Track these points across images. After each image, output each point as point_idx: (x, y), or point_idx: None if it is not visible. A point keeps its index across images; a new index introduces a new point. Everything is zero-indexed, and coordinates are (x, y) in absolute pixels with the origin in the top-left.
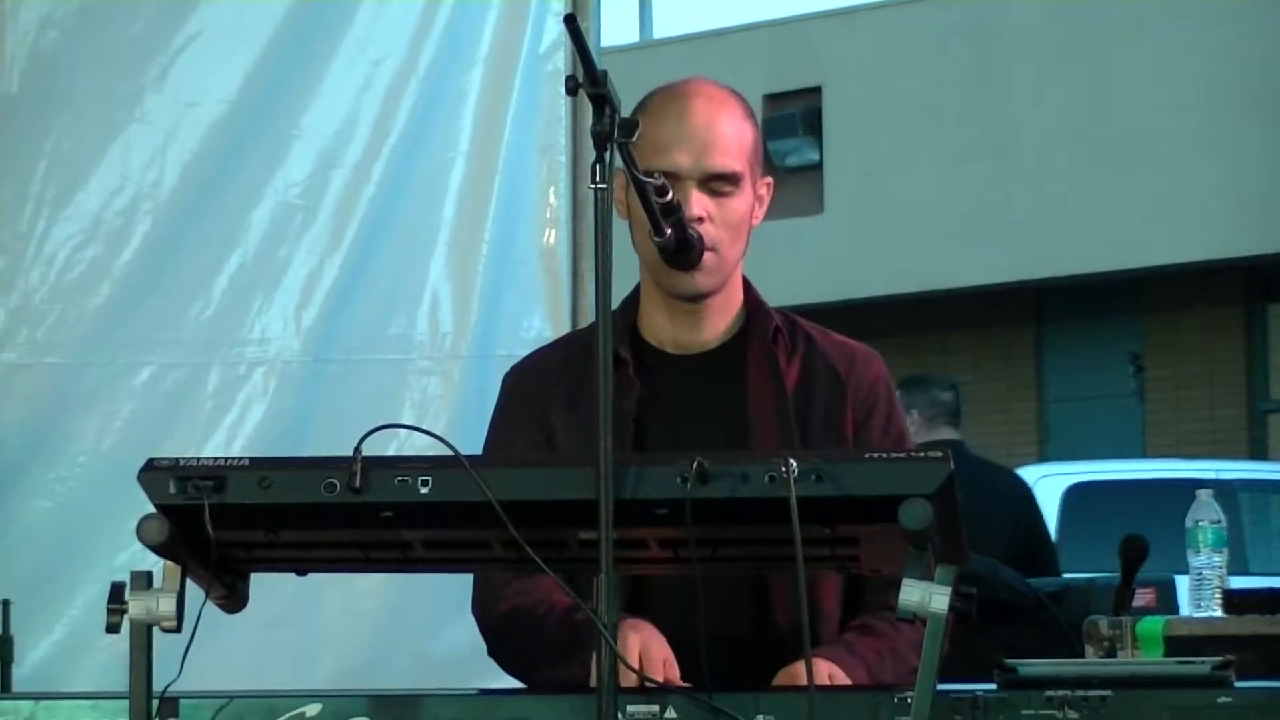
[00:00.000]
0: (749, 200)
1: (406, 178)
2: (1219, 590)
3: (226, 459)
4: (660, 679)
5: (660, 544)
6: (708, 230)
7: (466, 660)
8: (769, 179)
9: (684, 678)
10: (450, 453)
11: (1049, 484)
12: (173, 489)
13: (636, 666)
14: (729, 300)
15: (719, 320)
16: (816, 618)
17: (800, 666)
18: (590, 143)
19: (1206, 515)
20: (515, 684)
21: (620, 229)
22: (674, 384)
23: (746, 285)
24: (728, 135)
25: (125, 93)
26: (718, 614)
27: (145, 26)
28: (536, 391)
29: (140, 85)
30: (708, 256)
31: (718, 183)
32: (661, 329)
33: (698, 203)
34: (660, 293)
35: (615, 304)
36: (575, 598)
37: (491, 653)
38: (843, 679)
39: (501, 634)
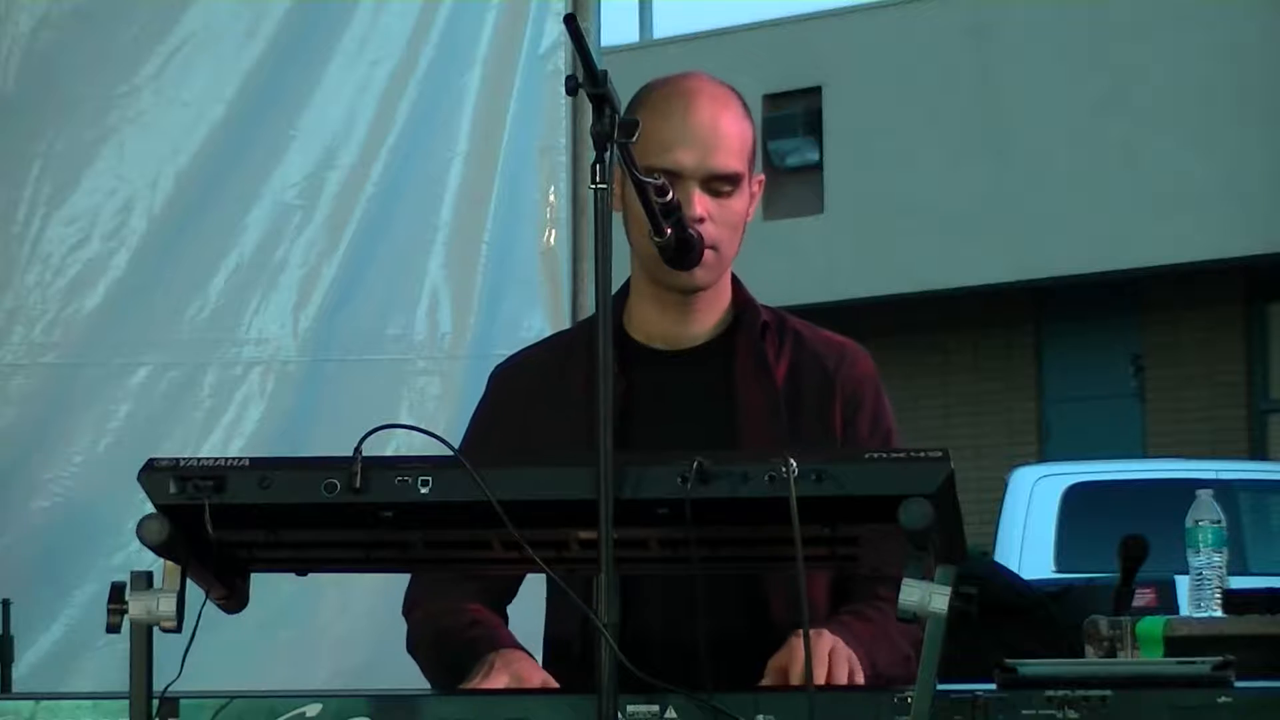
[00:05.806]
0: (746, 199)
1: (405, 178)
2: (1219, 590)
3: (227, 459)
4: None
5: (660, 544)
6: (708, 230)
7: None
8: (761, 176)
9: (681, 677)
10: (450, 453)
11: (1049, 484)
12: (173, 489)
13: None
14: (719, 295)
15: (709, 315)
16: (810, 612)
17: (797, 645)
18: (590, 143)
19: (1206, 515)
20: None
21: (616, 224)
22: (660, 380)
23: (735, 281)
24: (731, 135)
25: (121, 93)
26: (713, 612)
27: (141, 26)
28: (517, 391)
29: (136, 85)
30: (708, 254)
31: (719, 183)
32: (650, 323)
33: (700, 203)
34: (652, 286)
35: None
36: (575, 597)
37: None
38: (847, 652)
39: (410, 636)
